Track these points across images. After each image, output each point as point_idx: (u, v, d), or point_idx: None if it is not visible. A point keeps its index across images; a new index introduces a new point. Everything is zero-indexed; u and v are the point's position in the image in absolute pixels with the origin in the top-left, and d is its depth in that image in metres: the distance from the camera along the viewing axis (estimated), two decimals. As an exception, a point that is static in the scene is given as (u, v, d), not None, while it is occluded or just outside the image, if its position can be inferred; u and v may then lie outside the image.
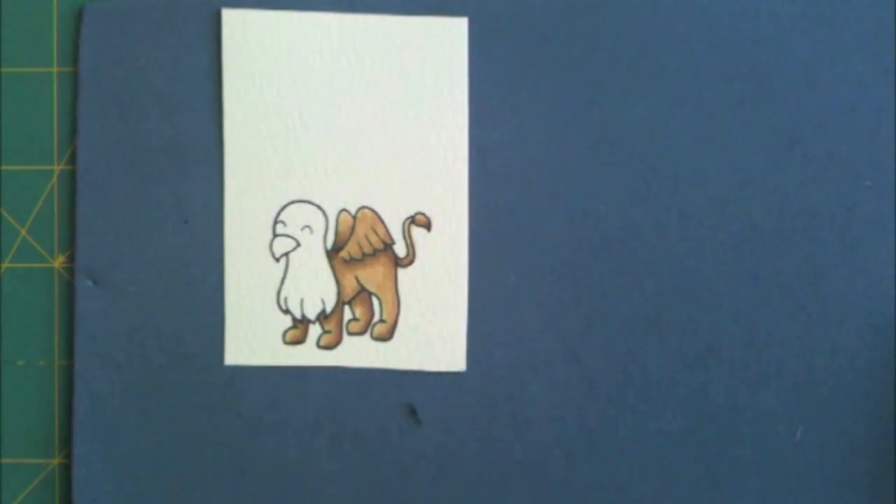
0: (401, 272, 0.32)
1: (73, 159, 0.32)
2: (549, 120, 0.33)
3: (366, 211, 0.33)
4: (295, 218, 0.32)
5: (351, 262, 0.33)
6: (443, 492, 0.33)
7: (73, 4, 0.32)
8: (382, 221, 0.32)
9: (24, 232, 0.32)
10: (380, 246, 0.33)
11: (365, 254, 0.32)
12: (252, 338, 0.32)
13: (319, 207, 0.32)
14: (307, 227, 0.32)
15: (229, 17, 0.32)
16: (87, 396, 0.32)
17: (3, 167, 0.32)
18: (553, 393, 0.33)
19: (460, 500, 0.33)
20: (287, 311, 0.32)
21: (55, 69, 0.32)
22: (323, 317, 0.33)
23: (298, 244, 0.32)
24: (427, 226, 0.32)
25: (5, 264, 0.32)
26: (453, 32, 0.33)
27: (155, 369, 0.32)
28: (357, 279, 0.33)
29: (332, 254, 0.33)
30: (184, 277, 0.32)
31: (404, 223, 0.32)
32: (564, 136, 0.33)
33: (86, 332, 0.32)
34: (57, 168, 0.32)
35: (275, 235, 0.32)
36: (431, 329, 0.32)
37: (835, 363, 0.33)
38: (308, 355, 0.32)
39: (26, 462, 0.33)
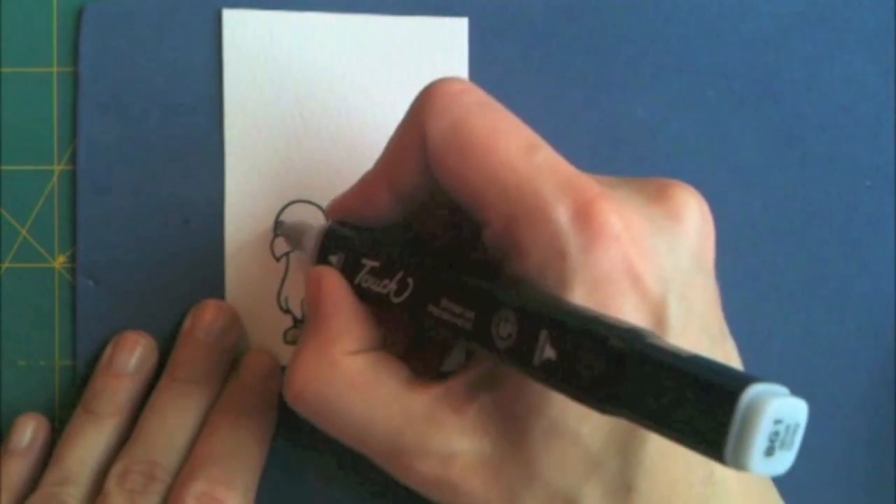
0: (401, 272, 0.32)
1: (73, 159, 0.32)
2: (549, 120, 0.33)
3: (366, 211, 0.33)
4: (295, 218, 0.32)
5: (351, 262, 0.33)
6: (443, 492, 0.33)
7: (73, 4, 0.32)
8: (382, 221, 0.32)
9: (24, 232, 0.32)
10: (380, 246, 0.32)
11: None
12: (252, 337, 0.32)
13: (320, 207, 0.32)
14: (307, 227, 0.32)
15: (229, 17, 0.32)
16: (87, 396, 0.32)
17: (3, 167, 0.32)
18: (553, 393, 0.33)
19: (460, 500, 0.33)
20: (287, 311, 0.32)
21: (55, 69, 0.32)
22: (323, 317, 0.33)
23: (299, 244, 0.32)
24: (427, 226, 0.32)
25: (5, 264, 0.32)
26: (453, 32, 0.33)
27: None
28: (357, 279, 0.33)
29: (333, 254, 0.33)
30: (184, 277, 0.32)
31: (404, 223, 0.32)
32: (564, 136, 0.33)
33: (86, 332, 0.32)
34: (57, 168, 0.32)
35: (275, 235, 0.32)
36: (432, 329, 0.32)
37: (835, 363, 0.33)
38: (308, 355, 0.32)
39: (26, 462, 0.33)
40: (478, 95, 0.24)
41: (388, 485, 0.33)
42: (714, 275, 0.23)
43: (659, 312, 0.21)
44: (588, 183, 0.21)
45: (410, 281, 0.23)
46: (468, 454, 0.22)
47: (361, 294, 0.25)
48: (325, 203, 0.32)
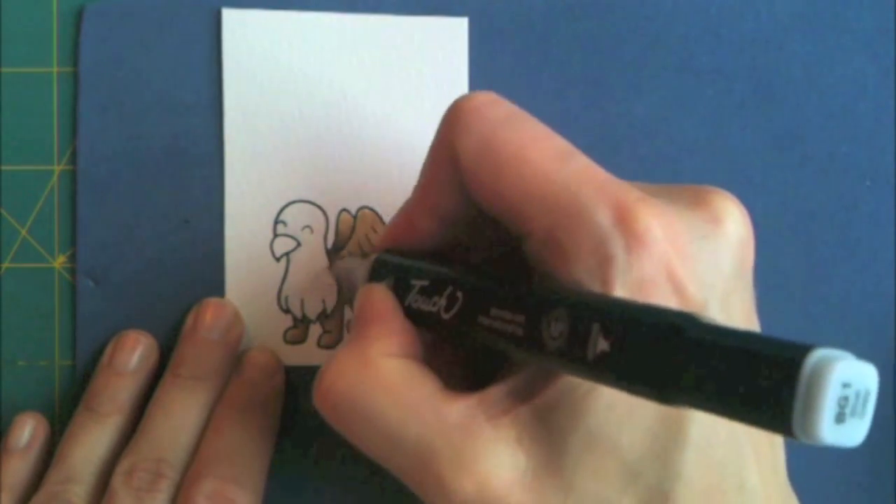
0: (401, 272, 0.32)
1: (73, 159, 0.32)
2: (549, 120, 0.33)
3: (366, 211, 0.33)
4: (295, 218, 0.32)
5: (351, 262, 0.33)
6: (443, 492, 0.33)
7: (73, 4, 0.32)
8: (383, 221, 0.32)
9: (24, 232, 0.32)
10: (380, 246, 0.32)
11: (365, 253, 0.32)
12: (252, 337, 0.32)
13: (320, 207, 0.32)
14: (307, 227, 0.32)
15: (229, 17, 0.32)
16: (87, 396, 0.32)
17: (3, 167, 0.32)
18: (553, 393, 0.33)
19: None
20: (287, 311, 0.32)
21: (55, 69, 0.32)
22: (324, 317, 0.33)
23: (299, 244, 0.32)
24: (427, 226, 0.32)
25: (5, 264, 0.32)
26: (453, 32, 0.33)
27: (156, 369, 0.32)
28: (357, 279, 0.33)
29: (333, 254, 0.33)
30: (184, 277, 0.32)
31: (404, 223, 0.32)
32: (564, 135, 0.33)
33: (86, 332, 0.32)
34: (57, 168, 0.32)
35: (275, 235, 0.32)
36: (432, 329, 0.32)
37: (835, 363, 0.33)
38: (309, 355, 0.32)
39: (26, 462, 0.33)
40: (504, 108, 0.23)
41: (389, 485, 0.33)
42: (752, 283, 0.23)
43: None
44: (626, 188, 0.21)
45: (460, 295, 0.23)
46: (502, 466, 0.21)
47: (413, 316, 0.25)
48: (325, 203, 0.33)
